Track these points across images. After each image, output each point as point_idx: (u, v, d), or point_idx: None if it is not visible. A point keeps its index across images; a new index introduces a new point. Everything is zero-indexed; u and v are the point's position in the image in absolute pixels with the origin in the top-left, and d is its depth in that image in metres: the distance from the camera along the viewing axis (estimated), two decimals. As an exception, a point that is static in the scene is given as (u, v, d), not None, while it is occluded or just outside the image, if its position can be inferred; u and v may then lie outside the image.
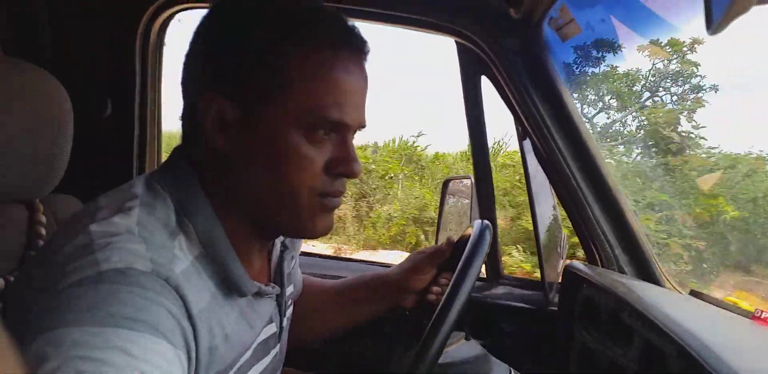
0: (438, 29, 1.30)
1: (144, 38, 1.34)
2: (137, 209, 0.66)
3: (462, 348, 1.11)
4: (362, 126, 0.76)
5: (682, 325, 0.86)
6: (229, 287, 0.72)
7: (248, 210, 0.74)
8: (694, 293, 1.20)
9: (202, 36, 0.72)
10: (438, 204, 1.59)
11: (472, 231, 0.96)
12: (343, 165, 0.73)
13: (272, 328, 0.85)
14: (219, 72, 0.70)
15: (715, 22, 0.53)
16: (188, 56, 0.73)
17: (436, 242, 1.49)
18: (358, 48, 0.73)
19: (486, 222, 0.98)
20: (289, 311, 0.97)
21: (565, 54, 1.25)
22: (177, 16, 1.38)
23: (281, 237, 0.91)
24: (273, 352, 0.86)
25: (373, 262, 1.74)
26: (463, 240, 0.99)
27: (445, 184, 1.56)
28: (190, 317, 0.63)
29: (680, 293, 1.24)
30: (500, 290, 1.48)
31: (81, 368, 0.48)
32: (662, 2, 1.14)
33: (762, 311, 0.91)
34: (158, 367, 0.53)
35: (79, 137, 0.92)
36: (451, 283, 0.87)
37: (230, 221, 0.73)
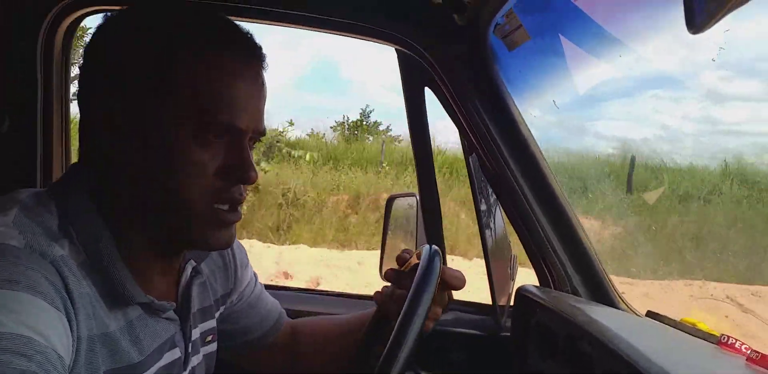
0: (377, 36, 1.22)
1: (46, 45, 1.19)
2: (15, 210, 0.66)
3: None
4: (259, 132, 0.76)
5: (646, 355, 0.80)
6: (114, 296, 0.70)
7: (139, 220, 0.73)
8: (650, 314, 1.14)
9: (94, 46, 0.73)
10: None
11: (421, 259, 0.88)
12: (236, 170, 0.72)
13: (176, 353, 0.81)
14: (109, 78, 0.71)
15: (698, 21, 0.49)
16: (81, 67, 0.74)
17: (381, 265, 1.40)
18: (250, 53, 0.74)
19: (435, 247, 0.90)
20: (210, 347, 0.94)
21: (513, 63, 1.18)
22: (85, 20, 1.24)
23: (193, 263, 0.87)
24: None
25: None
26: (415, 266, 0.90)
27: (389, 201, 1.46)
28: (68, 292, 0.63)
29: (637, 315, 1.18)
30: (449, 316, 1.39)
31: None
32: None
33: (728, 337, 0.85)
34: (42, 325, 0.56)
35: None
36: (399, 318, 0.78)
37: (123, 233, 0.72)
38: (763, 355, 0.76)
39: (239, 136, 0.72)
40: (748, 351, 0.80)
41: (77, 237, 0.68)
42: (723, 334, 0.87)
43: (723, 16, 0.48)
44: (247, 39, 0.74)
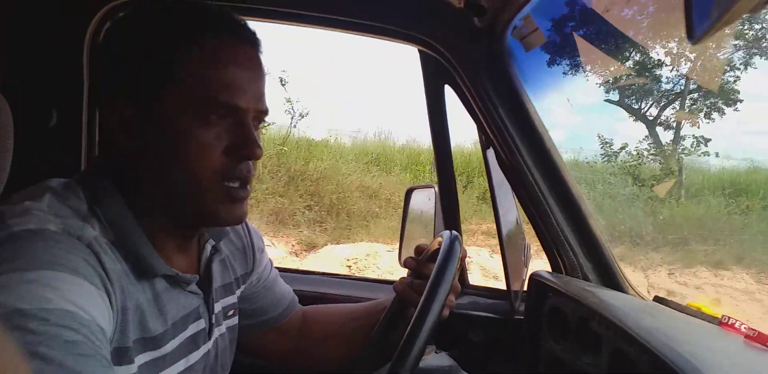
0: (400, 37, 1.29)
1: (93, 43, 1.26)
2: (48, 196, 0.72)
3: (432, 359, 1.09)
4: (261, 111, 0.80)
5: (654, 334, 0.86)
6: (141, 270, 0.76)
7: (158, 202, 0.79)
8: (657, 299, 1.22)
9: (102, 48, 0.81)
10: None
11: (442, 243, 0.94)
12: (242, 148, 0.76)
13: (200, 324, 0.88)
14: (117, 75, 0.77)
15: (698, 32, 0.53)
16: (92, 69, 0.83)
17: (400, 254, 1.47)
18: (244, 38, 0.79)
19: (455, 233, 0.96)
20: (232, 320, 1.01)
21: (529, 63, 1.25)
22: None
23: (212, 242, 0.94)
24: (203, 350, 0.88)
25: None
26: (434, 252, 0.97)
27: (408, 193, 1.54)
28: (104, 269, 0.68)
29: (644, 299, 1.25)
30: (465, 299, 1.46)
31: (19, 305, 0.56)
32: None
33: (729, 317, 0.92)
34: (85, 301, 0.61)
35: (23, 149, 0.87)
36: (423, 298, 0.83)
37: (144, 214, 0.78)
38: (760, 333, 0.84)
39: (242, 115, 0.77)
40: (747, 330, 0.88)
41: (104, 218, 0.74)
42: (724, 315, 0.94)
43: (722, 26, 0.52)
44: (241, 26, 0.80)
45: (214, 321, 0.91)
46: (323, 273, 1.73)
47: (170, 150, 0.74)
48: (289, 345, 1.19)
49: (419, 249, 1.11)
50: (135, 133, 0.76)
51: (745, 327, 0.89)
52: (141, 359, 0.74)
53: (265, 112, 0.82)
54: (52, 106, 1.26)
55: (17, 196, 0.73)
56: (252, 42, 0.80)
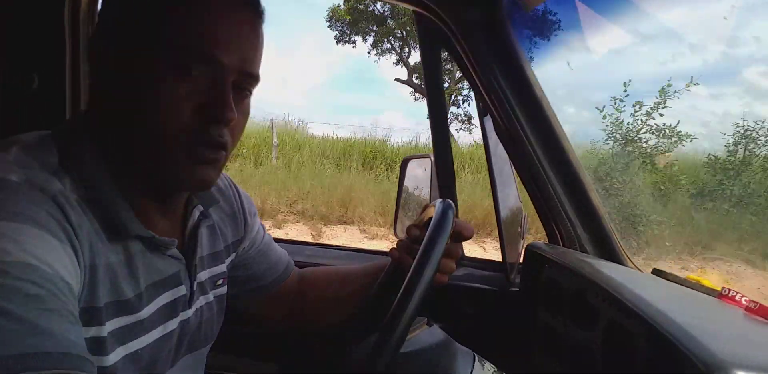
0: (396, -2, 1.23)
1: (74, 4, 1.21)
2: (15, 148, 0.68)
3: (424, 335, 1.07)
4: (246, 73, 0.75)
5: (651, 305, 0.84)
6: (113, 229, 0.72)
7: (129, 158, 0.74)
8: (656, 272, 1.18)
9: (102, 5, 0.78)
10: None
11: (434, 211, 0.91)
12: (212, 107, 0.71)
13: (180, 291, 0.84)
14: (107, 24, 0.76)
15: None
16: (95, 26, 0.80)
17: (395, 223, 1.44)
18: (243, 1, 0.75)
19: (448, 201, 0.93)
20: (220, 290, 0.98)
21: (528, 25, 1.19)
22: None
23: (200, 207, 0.90)
24: (181, 317, 0.85)
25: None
26: (429, 220, 0.94)
27: (404, 163, 1.50)
28: (70, 224, 0.65)
29: (642, 272, 1.22)
30: (460, 271, 1.44)
31: None
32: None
33: (729, 289, 0.89)
34: (48, 255, 0.58)
35: (7, 113, 0.84)
36: (413, 266, 0.81)
37: (121, 173, 0.75)
38: (761, 305, 0.81)
39: (221, 72, 0.72)
40: (748, 303, 0.85)
41: (76, 173, 0.70)
42: (724, 287, 0.91)
43: None
44: None
45: (196, 288, 0.88)
46: (318, 244, 1.71)
47: (142, 101, 0.70)
48: (285, 309, 1.18)
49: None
50: (116, 83, 0.73)
51: (746, 300, 0.86)
52: (114, 324, 0.71)
53: (253, 77, 0.77)
54: (34, 70, 1.22)
55: None
56: (249, 4, 0.76)
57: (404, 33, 16.64)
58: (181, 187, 0.81)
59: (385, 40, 17.15)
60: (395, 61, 17.46)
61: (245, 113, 0.80)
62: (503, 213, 1.33)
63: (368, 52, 17.50)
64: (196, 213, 0.90)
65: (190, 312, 0.87)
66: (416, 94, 17.36)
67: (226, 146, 0.76)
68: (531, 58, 1.24)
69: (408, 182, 1.51)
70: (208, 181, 0.77)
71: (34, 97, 1.23)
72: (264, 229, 1.15)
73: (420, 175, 1.49)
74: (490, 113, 1.29)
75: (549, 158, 1.26)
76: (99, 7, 0.79)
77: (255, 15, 0.77)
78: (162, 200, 0.82)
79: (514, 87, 1.24)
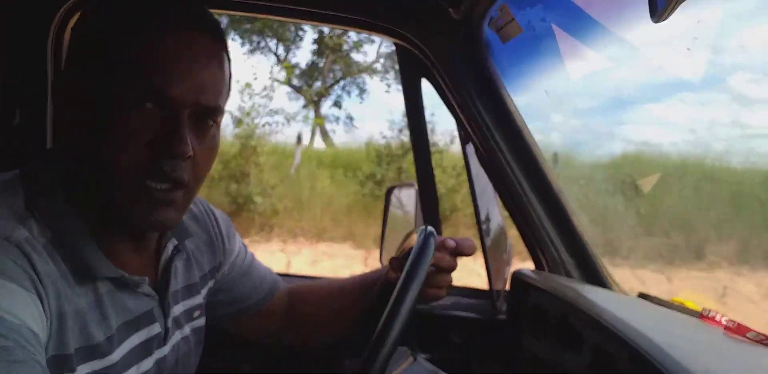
0: (374, 30, 1.26)
1: (56, 41, 1.23)
2: None
3: (412, 370, 1.05)
4: (200, 105, 0.72)
5: (633, 327, 0.84)
6: (81, 271, 0.70)
7: (91, 196, 0.73)
8: (642, 295, 1.19)
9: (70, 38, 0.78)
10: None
11: (416, 238, 0.91)
12: (163, 140, 0.69)
13: (154, 329, 0.81)
14: (70, 59, 0.76)
15: (659, 10, 0.51)
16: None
17: (381, 253, 1.44)
18: (197, 27, 0.73)
19: (430, 227, 0.93)
20: (197, 322, 0.95)
21: (506, 55, 1.23)
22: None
23: (174, 241, 0.88)
24: (156, 355, 0.82)
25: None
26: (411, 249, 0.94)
27: (389, 192, 1.50)
28: (36, 272, 0.63)
29: (627, 296, 1.23)
30: (447, 300, 1.43)
31: None
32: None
33: (710, 310, 0.89)
34: (14, 305, 0.57)
35: None
36: (394, 294, 0.80)
37: (87, 210, 0.73)
38: (738, 324, 0.81)
39: (174, 106, 0.69)
40: (727, 322, 0.85)
41: (42, 216, 0.69)
42: (704, 308, 0.91)
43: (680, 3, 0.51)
44: (196, 15, 0.74)
45: (171, 324, 0.86)
46: (309, 277, 1.70)
47: (97, 136, 0.69)
48: (275, 326, 1.15)
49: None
50: (75, 119, 0.71)
51: (725, 320, 0.87)
52: (85, 368, 0.69)
53: (211, 108, 0.73)
54: (15, 105, 1.23)
55: None
56: (205, 31, 0.74)
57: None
58: (140, 228, 0.77)
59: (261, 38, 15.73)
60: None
61: (211, 146, 0.77)
62: (488, 239, 1.33)
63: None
64: (170, 247, 0.87)
65: (166, 350, 0.85)
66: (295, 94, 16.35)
67: (182, 183, 0.72)
68: (510, 87, 1.27)
69: (393, 210, 1.51)
70: (165, 222, 0.74)
71: (16, 133, 1.23)
72: (246, 249, 1.12)
73: (405, 203, 1.49)
74: (472, 141, 1.31)
75: (530, 184, 1.28)
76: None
77: (213, 45, 0.74)
78: (132, 238, 0.80)
79: (494, 115, 1.27)
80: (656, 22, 0.52)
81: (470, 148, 1.35)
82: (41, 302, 0.63)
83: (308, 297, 1.16)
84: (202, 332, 0.97)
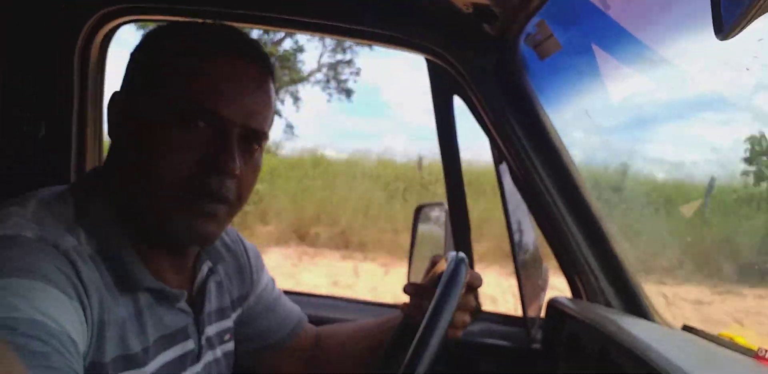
0: (407, 46, 1.23)
1: (83, 54, 1.23)
2: (34, 202, 0.71)
3: None
4: (250, 128, 0.76)
5: (679, 367, 0.77)
6: (124, 282, 0.72)
7: (136, 210, 0.75)
8: (686, 328, 1.11)
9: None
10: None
11: (446, 265, 0.87)
12: (214, 158, 0.72)
13: (189, 345, 0.83)
14: (128, 83, 0.80)
15: (726, 26, 0.47)
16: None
17: (408, 275, 1.39)
18: (247, 54, 0.78)
19: (461, 254, 0.89)
20: (227, 345, 0.96)
21: (544, 72, 1.18)
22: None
23: (209, 263, 0.90)
24: (189, 372, 0.83)
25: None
26: (440, 275, 0.90)
27: (417, 210, 1.46)
28: (80, 280, 0.65)
29: (672, 328, 1.15)
30: (478, 326, 1.37)
31: None
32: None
33: (767, 350, 0.82)
34: (56, 311, 0.58)
35: (14, 160, 0.84)
36: (423, 325, 0.76)
37: (131, 226, 0.76)
38: (803, 369, 0.74)
39: (224, 126, 0.73)
40: (788, 365, 0.77)
41: (89, 227, 0.72)
42: (761, 348, 0.84)
43: (752, 19, 0.46)
44: (246, 43, 0.79)
45: (204, 342, 0.86)
46: (329, 297, 1.66)
47: (147, 153, 0.72)
48: (300, 367, 1.13)
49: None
50: (128, 138, 0.76)
51: (786, 362, 0.79)
52: None
53: (259, 132, 0.77)
54: (42, 118, 1.23)
55: (7, 202, 0.72)
56: (254, 59, 0.79)
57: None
58: (181, 240, 0.80)
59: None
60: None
61: (255, 168, 0.80)
62: (523, 264, 1.27)
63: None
64: (205, 268, 0.89)
65: (199, 367, 0.85)
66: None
67: (227, 199, 0.75)
68: (548, 105, 1.22)
69: (422, 229, 1.47)
70: (207, 235, 0.77)
71: (41, 145, 1.24)
72: (273, 284, 1.12)
73: (434, 223, 1.45)
74: (506, 161, 1.26)
75: (568, 208, 1.22)
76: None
77: (261, 73, 0.79)
78: (172, 254, 0.82)
79: (529, 134, 1.22)
80: (722, 39, 0.48)
81: (504, 167, 1.30)
82: (83, 310, 0.64)
83: (336, 339, 1.16)
84: (231, 357, 0.98)
